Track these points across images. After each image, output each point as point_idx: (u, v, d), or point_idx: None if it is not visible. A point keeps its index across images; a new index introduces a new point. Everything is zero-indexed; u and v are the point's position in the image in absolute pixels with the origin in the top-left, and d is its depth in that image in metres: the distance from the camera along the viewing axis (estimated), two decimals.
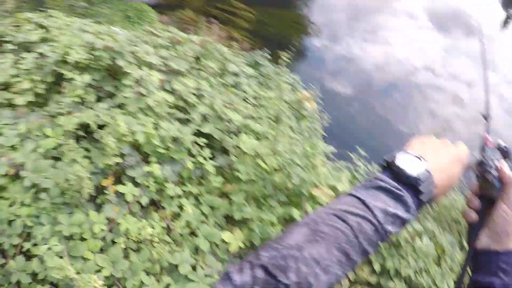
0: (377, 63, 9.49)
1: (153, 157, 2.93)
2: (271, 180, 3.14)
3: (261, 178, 3.15)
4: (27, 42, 3.91)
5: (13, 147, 3.18)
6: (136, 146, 2.93)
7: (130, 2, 13.78)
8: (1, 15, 4.70)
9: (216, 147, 3.23)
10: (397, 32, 10.66)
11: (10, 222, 2.82)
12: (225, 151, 3.31)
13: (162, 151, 2.88)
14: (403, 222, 0.75)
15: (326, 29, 10.79)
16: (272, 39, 10.27)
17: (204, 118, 3.05)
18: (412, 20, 11.36)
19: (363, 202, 0.72)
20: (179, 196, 3.01)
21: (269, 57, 5.94)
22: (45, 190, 2.90)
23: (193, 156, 3.05)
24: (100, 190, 3.00)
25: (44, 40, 3.87)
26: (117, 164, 2.95)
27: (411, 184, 0.75)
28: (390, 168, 0.79)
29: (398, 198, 0.74)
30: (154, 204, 3.09)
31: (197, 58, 3.38)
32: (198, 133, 3.08)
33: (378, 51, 10.00)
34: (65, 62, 3.36)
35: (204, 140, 3.03)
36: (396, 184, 0.75)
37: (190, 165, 2.97)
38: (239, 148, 3.22)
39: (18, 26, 4.31)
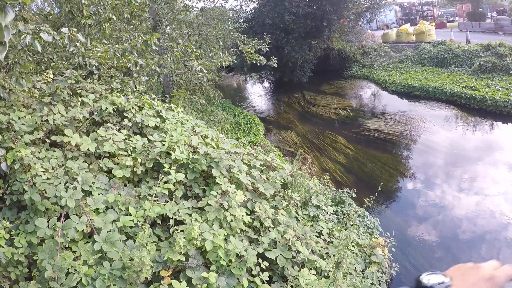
0: (468, 213, 8.96)
1: (214, 266, 3.03)
2: None
3: None
4: (143, 124, 4.42)
5: (96, 211, 3.50)
6: (202, 251, 3.07)
7: (245, 112, 14.97)
8: (132, 92, 5.35)
9: (277, 272, 3.25)
10: (494, 184, 10.14)
11: (68, 274, 3.04)
12: (284, 278, 3.30)
13: (223, 263, 2.97)
14: None
15: (421, 173, 10.63)
16: (363, 178, 10.41)
17: (274, 243, 3.12)
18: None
19: None
20: None
21: (354, 195, 6.01)
22: (109, 260, 3.11)
23: (252, 275, 3.09)
24: (156, 277, 3.14)
25: (157, 128, 4.35)
26: (180, 261, 3.09)
27: None
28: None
29: None
30: None
31: (285, 185, 3.54)
32: (263, 255, 3.14)
33: (471, 201, 9.49)
34: (168, 154, 3.73)
35: (266, 264, 3.09)
36: None
37: (245, 283, 3.00)
38: (298, 280, 3.20)
39: (140, 107, 4.90)
